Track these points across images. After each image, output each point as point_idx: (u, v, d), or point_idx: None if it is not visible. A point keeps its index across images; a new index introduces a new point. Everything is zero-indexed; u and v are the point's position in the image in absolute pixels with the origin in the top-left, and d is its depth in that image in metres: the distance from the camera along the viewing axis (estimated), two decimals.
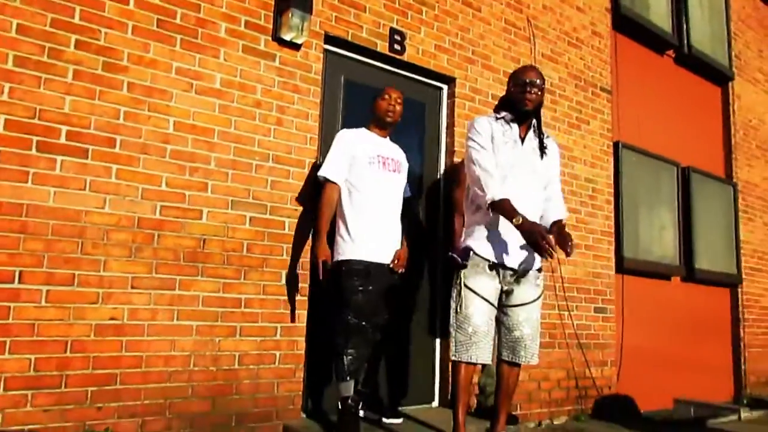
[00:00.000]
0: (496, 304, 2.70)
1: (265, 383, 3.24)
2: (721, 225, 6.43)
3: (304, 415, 3.42)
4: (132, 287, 2.93)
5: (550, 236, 2.58)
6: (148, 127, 3.05)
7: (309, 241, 3.41)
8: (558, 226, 2.74)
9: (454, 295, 2.70)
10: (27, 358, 2.65)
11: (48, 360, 2.69)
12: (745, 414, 5.21)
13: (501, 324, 2.78)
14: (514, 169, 2.75)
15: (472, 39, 4.44)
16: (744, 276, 6.58)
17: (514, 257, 2.71)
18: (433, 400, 4.07)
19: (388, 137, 3.42)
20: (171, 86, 3.13)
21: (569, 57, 5.10)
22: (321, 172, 3.19)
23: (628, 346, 5.08)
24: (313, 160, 3.54)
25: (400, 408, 3.63)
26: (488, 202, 2.62)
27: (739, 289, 6.53)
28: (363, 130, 3.36)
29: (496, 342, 2.80)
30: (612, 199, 5.23)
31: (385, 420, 3.45)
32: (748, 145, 7.00)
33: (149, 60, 3.08)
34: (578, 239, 4.87)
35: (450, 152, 4.27)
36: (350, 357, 3.03)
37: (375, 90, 3.47)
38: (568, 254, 2.59)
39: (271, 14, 3.49)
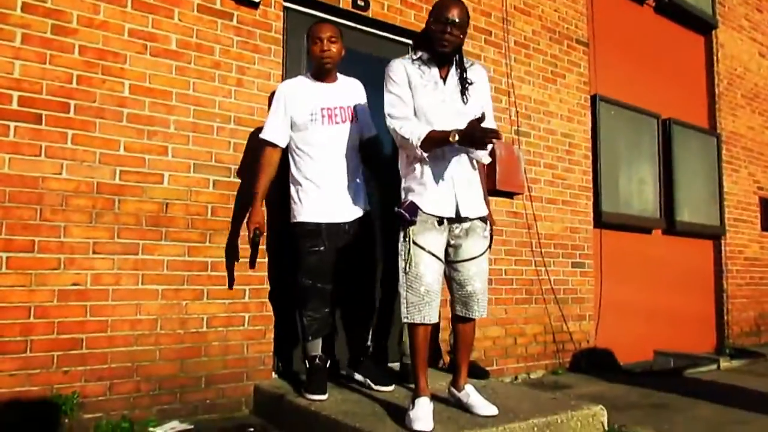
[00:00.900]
0: (443, 259, 2.64)
1: (235, 345, 3.27)
2: (704, 177, 6.40)
3: (275, 375, 3.46)
4: (94, 252, 2.93)
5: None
6: (103, 90, 3.01)
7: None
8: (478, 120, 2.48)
9: (402, 253, 2.58)
10: None
11: (11, 326, 2.71)
12: (725, 363, 5.27)
13: (452, 280, 2.71)
14: (438, 113, 2.61)
15: None
16: (728, 227, 6.57)
17: (460, 207, 2.61)
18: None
19: (336, 81, 3.22)
20: (124, 48, 3.08)
21: (543, 9, 4.99)
22: (261, 135, 3.13)
23: (607, 300, 5.10)
24: None
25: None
26: (416, 145, 2.50)
27: (723, 241, 6.53)
28: (303, 80, 3.19)
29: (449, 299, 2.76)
30: (590, 153, 5.19)
31: (374, 387, 3.15)
32: (732, 94, 6.91)
33: (100, 22, 3.02)
34: (555, 195, 4.86)
35: None
36: (308, 318, 3.05)
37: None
38: (495, 139, 2.41)
39: None
